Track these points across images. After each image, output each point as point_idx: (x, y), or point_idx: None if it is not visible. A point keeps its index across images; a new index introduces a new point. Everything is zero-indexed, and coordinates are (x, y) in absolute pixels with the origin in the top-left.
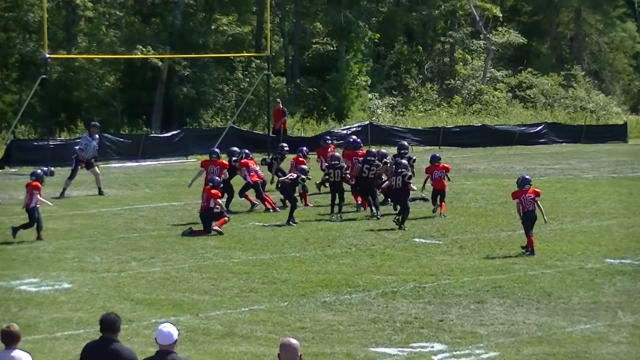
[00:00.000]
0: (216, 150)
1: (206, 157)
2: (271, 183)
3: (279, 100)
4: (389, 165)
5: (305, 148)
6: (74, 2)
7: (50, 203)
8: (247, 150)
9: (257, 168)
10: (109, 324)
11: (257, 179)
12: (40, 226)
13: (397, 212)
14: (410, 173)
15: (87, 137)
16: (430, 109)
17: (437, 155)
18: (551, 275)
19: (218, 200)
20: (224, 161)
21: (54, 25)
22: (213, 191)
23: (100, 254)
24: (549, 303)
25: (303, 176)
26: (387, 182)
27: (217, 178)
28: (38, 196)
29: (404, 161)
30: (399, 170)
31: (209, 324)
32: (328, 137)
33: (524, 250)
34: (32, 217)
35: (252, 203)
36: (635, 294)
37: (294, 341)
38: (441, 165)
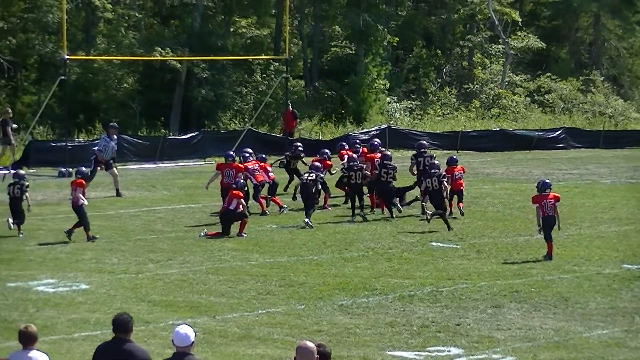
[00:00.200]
0: (232, 153)
1: (223, 159)
2: (292, 195)
3: (288, 102)
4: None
5: (327, 151)
6: (93, 4)
7: (86, 202)
8: (247, 153)
9: (269, 168)
10: (122, 325)
11: (262, 179)
12: (80, 224)
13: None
14: (444, 172)
15: (106, 138)
16: (448, 113)
17: (455, 157)
18: (569, 280)
19: (242, 201)
20: (239, 164)
21: (73, 27)
22: (235, 192)
23: (117, 255)
24: (566, 308)
25: (321, 174)
26: (423, 184)
27: (241, 181)
28: (79, 194)
29: (437, 162)
30: (433, 170)
31: (225, 326)
32: (358, 141)
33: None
34: (82, 214)
35: (263, 211)
36: None
37: (310, 344)
38: (460, 167)
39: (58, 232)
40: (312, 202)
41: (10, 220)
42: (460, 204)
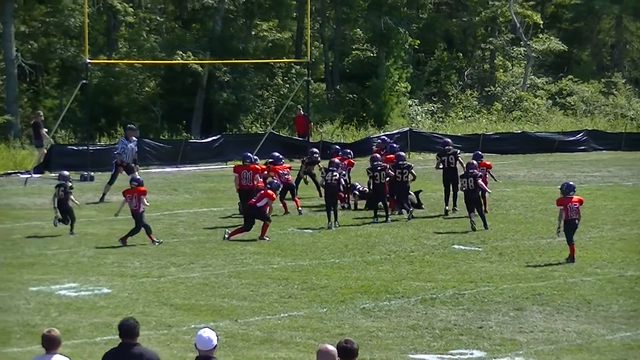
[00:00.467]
0: (249, 154)
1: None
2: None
3: (299, 106)
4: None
5: (349, 150)
6: (115, 8)
7: (147, 203)
8: (255, 157)
9: (282, 171)
10: (129, 330)
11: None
12: (149, 229)
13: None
14: (481, 173)
15: (123, 140)
16: (470, 116)
17: (480, 153)
18: (591, 282)
19: (271, 202)
20: (256, 166)
21: (94, 31)
22: (269, 192)
23: (139, 259)
24: (588, 311)
25: (344, 172)
26: (460, 186)
27: (275, 181)
28: (145, 200)
29: (474, 162)
30: (470, 170)
31: (248, 329)
32: (387, 139)
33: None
34: (140, 222)
35: (286, 211)
36: None
37: (331, 348)
38: (482, 162)
39: (80, 236)
40: (336, 202)
41: (58, 217)
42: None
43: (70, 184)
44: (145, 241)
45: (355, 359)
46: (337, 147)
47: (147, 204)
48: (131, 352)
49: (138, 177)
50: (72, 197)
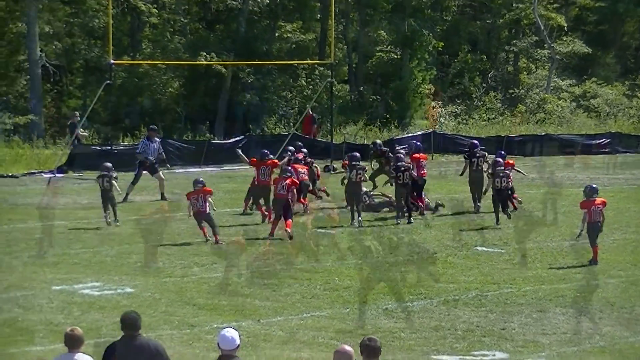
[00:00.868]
0: (267, 152)
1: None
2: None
3: (309, 106)
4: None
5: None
6: (139, 9)
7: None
8: (267, 151)
9: (300, 170)
10: (132, 322)
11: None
12: (214, 230)
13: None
14: (510, 172)
15: (145, 140)
16: (493, 118)
17: (503, 152)
18: (614, 285)
19: (294, 190)
20: (275, 160)
21: (118, 32)
22: (294, 179)
23: (162, 258)
24: (611, 313)
25: (363, 166)
26: (489, 185)
27: (290, 168)
28: (210, 199)
29: (500, 159)
30: (498, 169)
31: (270, 329)
32: (414, 142)
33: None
34: (210, 219)
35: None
36: None
37: (348, 348)
38: (507, 162)
39: (103, 236)
40: (360, 201)
41: (105, 215)
42: (515, 197)
43: (114, 175)
44: (168, 241)
45: (378, 357)
46: (299, 145)
47: (213, 205)
48: (135, 343)
49: (201, 179)
50: (116, 185)
